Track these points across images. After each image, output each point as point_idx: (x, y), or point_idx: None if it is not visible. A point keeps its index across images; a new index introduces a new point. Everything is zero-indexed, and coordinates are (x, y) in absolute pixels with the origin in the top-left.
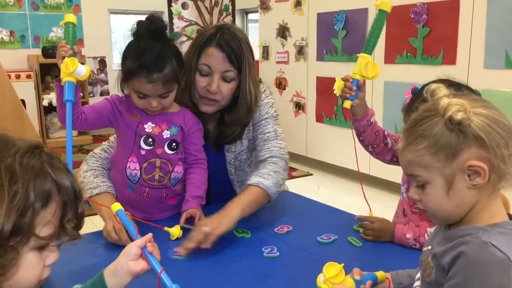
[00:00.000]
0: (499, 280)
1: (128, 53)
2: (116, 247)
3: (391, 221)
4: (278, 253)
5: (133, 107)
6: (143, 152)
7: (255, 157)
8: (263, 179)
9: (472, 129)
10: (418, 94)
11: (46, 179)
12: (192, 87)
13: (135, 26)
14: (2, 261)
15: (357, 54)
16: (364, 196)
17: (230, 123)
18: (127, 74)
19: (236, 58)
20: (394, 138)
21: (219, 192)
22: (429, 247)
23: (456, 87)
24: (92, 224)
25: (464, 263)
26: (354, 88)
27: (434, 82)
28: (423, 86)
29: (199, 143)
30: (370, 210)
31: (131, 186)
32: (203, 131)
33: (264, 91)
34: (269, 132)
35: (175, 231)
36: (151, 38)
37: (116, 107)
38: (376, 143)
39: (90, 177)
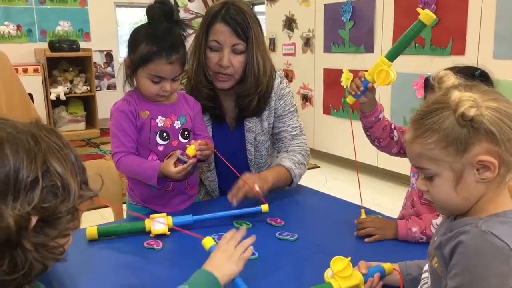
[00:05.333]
0: (499, 269)
1: (141, 39)
2: (121, 241)
3: (398, 213)
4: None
5: (140, 104)
6: (160, 148)
7: (277, 146)
8: (295, 167)
9: (484, 125)
10: None
11: (71, 148)
12: (205, 65)
13: (149, 10)
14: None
15: (381, 55)
16: (360, 194)
17: (242, 94)
18: (144, 59)
19: (243, 31)
20: (401, 130)
21: (234, 178)
22: (435, 238)
23: (484, 79)
24: (100, 217)
25: (464, 252)
26: (362, 88)
27: (464, 68)
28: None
29: (203, 123)
30: (362, 208)
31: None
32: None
33: (282, 79)
34: (296, 127)
35: (191, 150)
36: (165, 19)
37: (131, 112)
38: (383, 138)
39: None
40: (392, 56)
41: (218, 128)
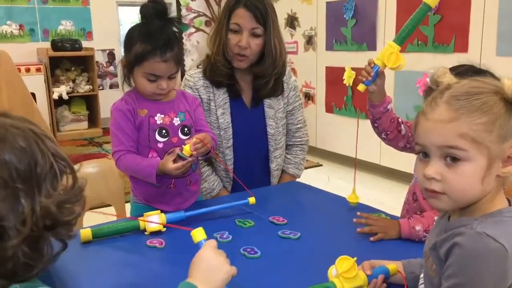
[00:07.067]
0: (494, 270)
1: (136, 38)
2: (124, 238)
3: (400, 211)
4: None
5: (138, 102)
6: (160, 145)
7: (287, 134)
8: (298, 170)
9: None
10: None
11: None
12: (226, 45)
13: (142, 9)
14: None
15: (388, 41)
16: (354, 186)
17: (259, 75)
18: (139, 58)
19: (262, 17)
20: (408, 124)
21: (253, 162)
22: (430, 238)
23: (481, 73)
24: (103, 216)
25: (459, 254)
26: (372, 73)
27: (458, 67)
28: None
29: (204, 118)
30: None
31: None
32: (201, 105)
33: (290, 72)
34: (300, 120)
35: (187, 150)
36: (158, 18)
37: (129, 111)
38: (390, 130)
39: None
40: (399, 40)
41: (235, 105)
